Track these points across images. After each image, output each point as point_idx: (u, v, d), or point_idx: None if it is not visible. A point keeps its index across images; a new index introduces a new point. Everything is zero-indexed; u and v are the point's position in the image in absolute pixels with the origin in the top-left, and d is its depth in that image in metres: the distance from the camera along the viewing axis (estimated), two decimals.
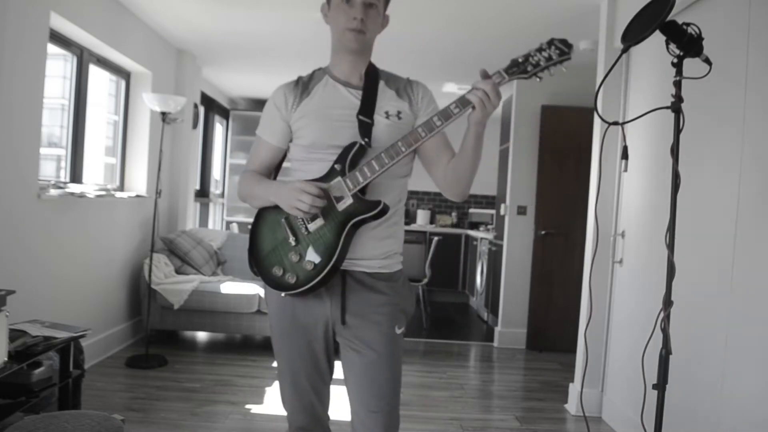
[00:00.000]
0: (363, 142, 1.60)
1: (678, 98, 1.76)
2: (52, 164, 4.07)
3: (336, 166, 1.59)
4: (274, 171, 1.79)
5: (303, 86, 1.71)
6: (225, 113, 7.72)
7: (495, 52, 5.02)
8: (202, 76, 6.06)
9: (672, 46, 1.75)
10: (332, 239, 1.57)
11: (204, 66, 5.93)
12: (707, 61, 1.77)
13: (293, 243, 1.61)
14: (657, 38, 1.77)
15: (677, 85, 1.76)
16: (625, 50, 1.81)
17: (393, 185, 1.68)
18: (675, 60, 1.75)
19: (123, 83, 4.72)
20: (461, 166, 1.62)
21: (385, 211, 1.57)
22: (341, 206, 1.57)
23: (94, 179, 4.34)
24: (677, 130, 1.76)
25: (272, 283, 1.65)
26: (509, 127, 5.55)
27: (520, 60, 1.53)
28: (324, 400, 1.76)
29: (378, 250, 1.66)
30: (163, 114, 4.32)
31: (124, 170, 4.77)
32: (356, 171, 1.57)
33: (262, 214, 1.70)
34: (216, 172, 7.58)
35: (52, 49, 3.50)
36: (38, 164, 3.34)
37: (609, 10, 3.62)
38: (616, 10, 3.60)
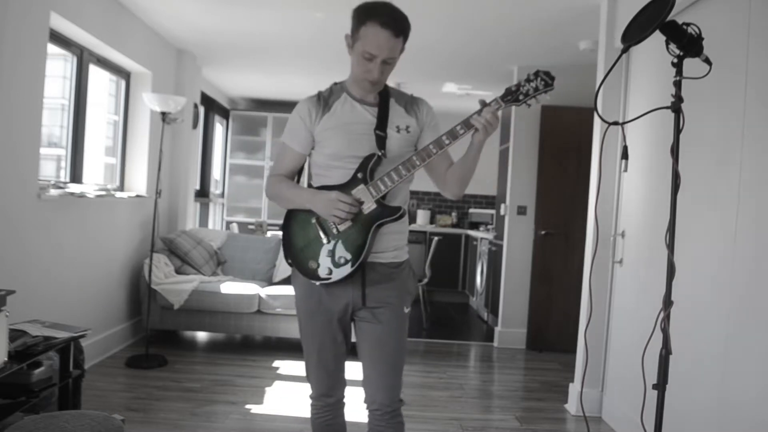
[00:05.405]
0: (380, 154, 1.89)
1: (678, 98, 1.76)
2: (52, 164, 4.07)
3: (358, 174, 1.88)
4: (297, 173, 2.07)
5: (324, 102, 1.96)
6: (225, 113, 7.72)
7: (495, 53, 5.03)
8: (202, 76, 6.05)
9: (672, 46, 1.76)
10: (360, 238, 1.87)
11: (204, 66, 5.93)
12: (707, 61, 1.77)
13: (325, 241, 1.91)
14: (657, 38, 1.77)
15: (677, 85, 1.76)
16: (625, 50, 1.81)
17: (402, 188, 1.97)
18: (675, 60, 1.75)
19: (123, 83, 4.72)
20: (463, 172, 1.94)
21: (403, 215, 1.91)
22: (366, 210, 1.88)
23: (94, 179, 4.34)
24: (677, 130, 1.77)
25: (308, 274, 1.93)
26: (509, 127, 5.54)
27: (513, 89, 1.86)
28: (341, 368, 2.04)
29: (392, 243, 1.95)
30: (163, 114, 4.32)
31: (124, 170, 4.78)
32: (378, 181, 1.86)
33: (292, 214, 1.99)
34: (216, 172, 7.58)
35: (52, 49, 3.50)
36: (38, 164, 3.35)
37: (609, 10, 3.62)
38: (616, 10, 3.60)
